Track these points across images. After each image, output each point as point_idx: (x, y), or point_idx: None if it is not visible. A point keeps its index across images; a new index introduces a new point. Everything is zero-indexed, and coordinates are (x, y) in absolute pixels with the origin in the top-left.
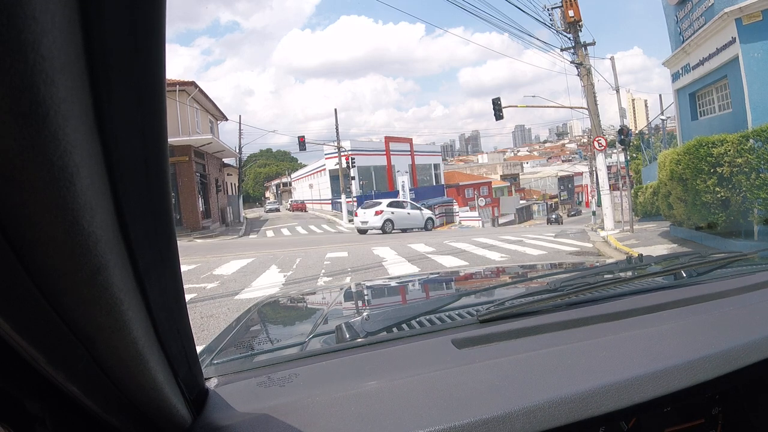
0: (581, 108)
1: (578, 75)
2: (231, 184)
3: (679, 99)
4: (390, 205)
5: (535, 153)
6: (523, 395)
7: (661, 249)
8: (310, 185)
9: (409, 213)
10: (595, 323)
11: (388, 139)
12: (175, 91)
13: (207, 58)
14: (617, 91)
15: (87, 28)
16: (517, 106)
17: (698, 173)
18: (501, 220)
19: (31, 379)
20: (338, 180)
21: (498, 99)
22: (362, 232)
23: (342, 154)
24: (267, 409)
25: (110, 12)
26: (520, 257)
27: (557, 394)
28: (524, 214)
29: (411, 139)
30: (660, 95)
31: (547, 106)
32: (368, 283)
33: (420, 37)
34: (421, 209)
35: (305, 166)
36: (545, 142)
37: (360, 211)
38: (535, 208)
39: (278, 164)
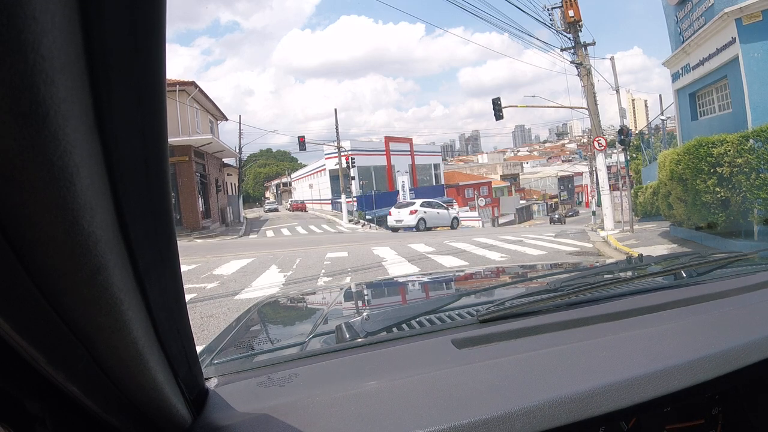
0: (581, 108)
1: (578, 75)
2: (231, 184)
3: (679, 99)
4: (423, 205)
5: (535, 153)
6: (523, 395)
7: (661, 249)
8: (310, 185)
9: (438, 212)
10: (595, 323)
11: (388, 139)
12: (175, 91)
13: (207, 58)
14: (617, 91)
15: (87, 28)
16: (517, 106)
17: (698, 173)
18: (501, 220)
19: (31, 379)
20: (338, 180)
21: (498, 99)
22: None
23: (342, 154)
24: (267, 409)
25: (110, 12)
26: (520, 257)
27: (557, 394)
28: (524, 214)
29: (411, 139)
30: (660, 95)
31: (547, 106)
32: (368, 283)
33: (420, 37)
34: (447, 209)
35: (305, 166)
36: (545, 142)
37: (394, 210)
38: (535, 208)
39: (278, 164)
